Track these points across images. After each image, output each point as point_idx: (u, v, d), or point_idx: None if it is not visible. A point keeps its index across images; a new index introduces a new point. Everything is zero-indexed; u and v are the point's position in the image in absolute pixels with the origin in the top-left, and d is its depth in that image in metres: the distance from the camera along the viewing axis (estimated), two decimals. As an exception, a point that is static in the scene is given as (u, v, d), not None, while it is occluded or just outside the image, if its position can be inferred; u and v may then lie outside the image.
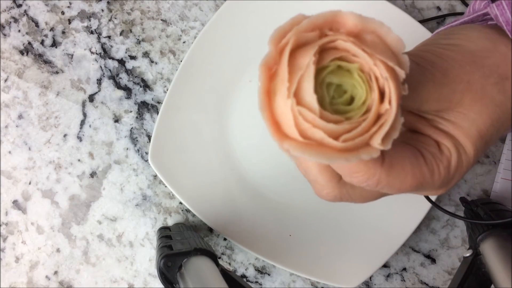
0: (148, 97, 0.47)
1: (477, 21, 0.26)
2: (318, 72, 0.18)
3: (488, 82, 0.22)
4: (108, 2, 0.47)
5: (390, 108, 0.17)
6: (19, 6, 0.48)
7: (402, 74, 0.18)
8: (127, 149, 0.47)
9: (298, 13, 0.18)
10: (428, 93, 0.22)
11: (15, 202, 0.47)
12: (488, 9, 0.24)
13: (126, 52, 0.47)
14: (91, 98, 0.47)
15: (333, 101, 0.18)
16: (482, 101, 0.22)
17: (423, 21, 0.45)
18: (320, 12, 0.18)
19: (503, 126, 0.23)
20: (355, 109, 0.18)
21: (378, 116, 0.18)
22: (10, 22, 0.48)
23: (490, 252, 0.36)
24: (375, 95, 0.18)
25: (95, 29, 0.47)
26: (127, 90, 0.47)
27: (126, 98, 0.47)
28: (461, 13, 0.46)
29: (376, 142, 0.17)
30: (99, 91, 0.47)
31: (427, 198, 0.41)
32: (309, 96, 0.17)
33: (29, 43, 0.47)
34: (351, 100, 0.18)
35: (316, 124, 0.17)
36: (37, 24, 0.48)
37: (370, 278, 0.46)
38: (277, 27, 0.18)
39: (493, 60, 0.23)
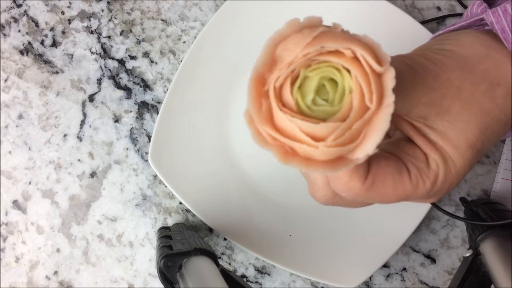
0: (148, 97, 0.47)
1: (475, 25, 0.26)
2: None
3: (478, 89, 0.22)
4: (108, 2, 0.47)
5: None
6: (19, 6, 0.48)
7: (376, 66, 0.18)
8: (127, 149, 0.47)
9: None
10: (418, 96, 0.21)
11: (15, 202, 0.47)
12: (484, 16, 0.24)
13: (126, 52, 0.47)
14: (91, 98, 0.47)
15: (316, 101, 0.18)
16: (471, 109, 0.22)
17: (423, 22, 0.45)
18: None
19: (495, 134, 0.23)
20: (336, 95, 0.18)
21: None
22: (10, 22, 0.48)
23: (490, 252, 0.36)
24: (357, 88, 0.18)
25: (95, 29, 0.47)
26: (127, 90, 0.47)
27: (126, 98, 0.47)
28: (461, 14, 0.46)
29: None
30: (99, 91, 0.47)
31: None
32: (288, 97, 0.18)
33: (29, 43, 0.47)
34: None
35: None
36: (37, 24, 0.48)
37: (370, 278, 0.46)
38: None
39: (485, 66, 0.22)
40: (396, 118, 0.24)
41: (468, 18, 0.26)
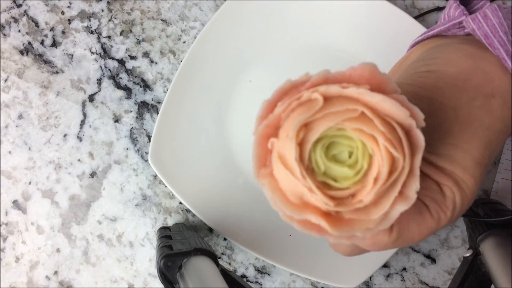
0: (148, 97, 0.47)
1: (454, 28, 0.25)
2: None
3: (474, 105, 0.21)
4: (108, 2, 0.47)
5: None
6: (19, 6, 0.48)
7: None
8: (127, 149, 0.47)
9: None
10: None
11: (15, 202, 0.47)
12: (464, 23, 0.23)
13: (126, 52, 0.47)
14: (91, 98, 0.47)
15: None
16: (471, 127, 0.21)
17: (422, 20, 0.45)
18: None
19: (497, 146, 0.22)
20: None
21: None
22: (10, 22, 0.48)
23: (490, 252, 0.36)
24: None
25: (95, 29, 0.47)
26: (127, 90, 0.47)
27: (126, 98, 0.47)
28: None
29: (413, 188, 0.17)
30: (99, 91, 0.47)
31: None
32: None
33: (29, 43, 0.47)
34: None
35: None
36: (37, 24, 0.48)
37: (370, 278, 0.46)
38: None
39: (476, 81, 0.22)
40: None
41: (446, 22, 0.25)
